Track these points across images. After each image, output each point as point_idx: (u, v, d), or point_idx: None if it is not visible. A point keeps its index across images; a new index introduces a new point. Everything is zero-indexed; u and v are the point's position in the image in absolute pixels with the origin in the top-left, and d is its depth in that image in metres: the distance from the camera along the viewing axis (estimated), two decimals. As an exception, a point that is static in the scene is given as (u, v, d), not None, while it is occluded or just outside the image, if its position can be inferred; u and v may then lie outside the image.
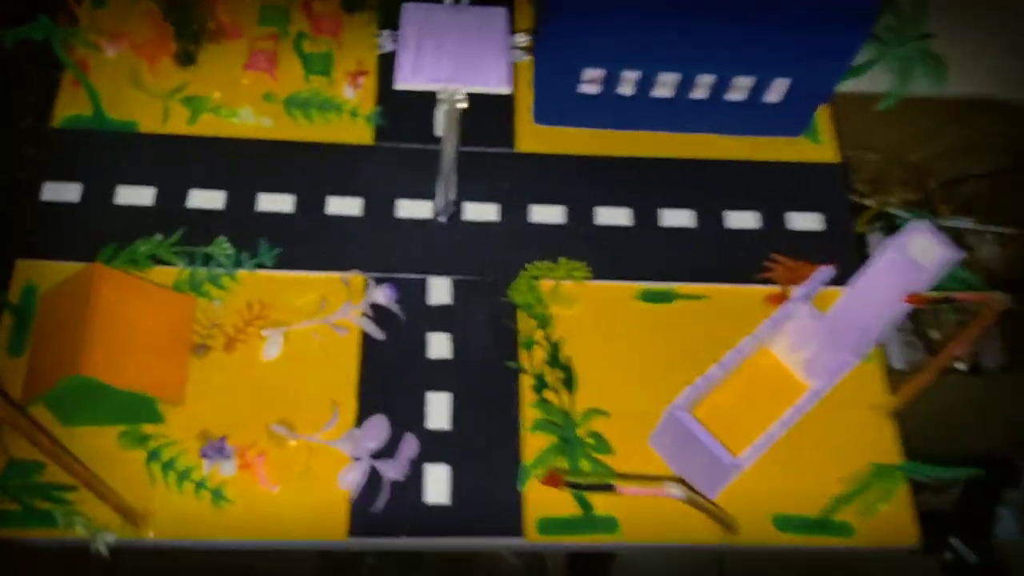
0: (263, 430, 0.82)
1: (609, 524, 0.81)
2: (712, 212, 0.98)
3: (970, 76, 1.13)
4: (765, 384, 0.87)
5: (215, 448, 0.79)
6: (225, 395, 0.83)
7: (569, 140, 1.00)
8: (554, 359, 0.87)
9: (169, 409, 0.81)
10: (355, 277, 0.89)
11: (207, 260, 0.88)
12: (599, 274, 0.93)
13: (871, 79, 0.98)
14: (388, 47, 0.72)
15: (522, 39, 0.73)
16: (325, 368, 0.86)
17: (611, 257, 0.94)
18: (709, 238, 0.96)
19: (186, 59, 0.99)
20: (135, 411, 0.78)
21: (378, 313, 0.88)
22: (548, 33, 0.88)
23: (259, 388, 0.84)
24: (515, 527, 0.80)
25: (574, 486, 0.61)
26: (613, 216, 0.96)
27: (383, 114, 0.98)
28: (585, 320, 0.90)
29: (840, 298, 0.81)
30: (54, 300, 0.79)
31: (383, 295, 0.87)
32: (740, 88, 0.97)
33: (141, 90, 0.97)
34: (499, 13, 0.75)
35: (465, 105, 0.72)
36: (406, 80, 0.71)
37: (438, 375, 0.86)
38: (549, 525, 0.81)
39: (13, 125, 0.96)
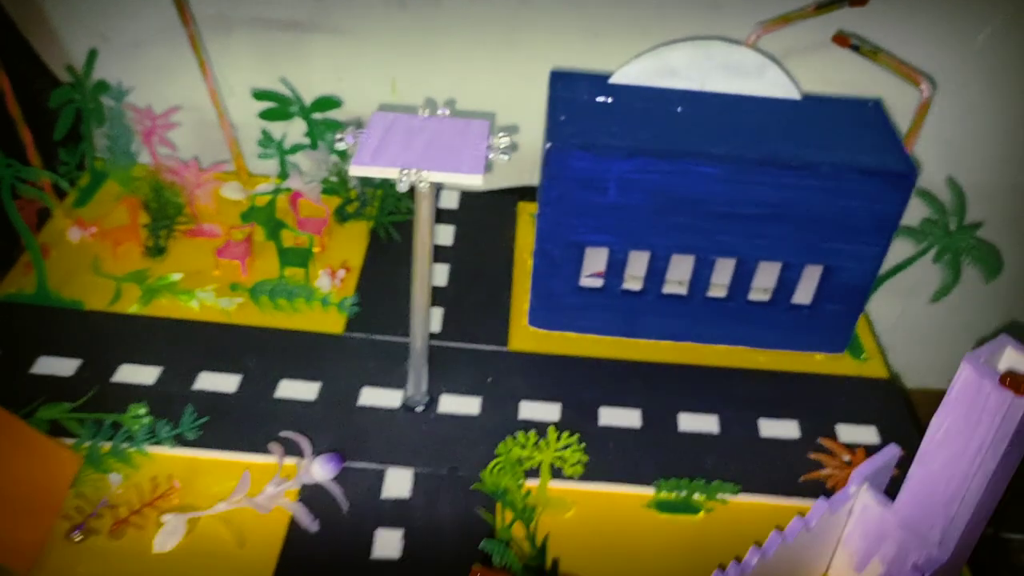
0: (132, 635, 0.60)
1: None
2: (742, 419, 0.81)
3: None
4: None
5: (55, 647, 0.57)
6: (95, 589, 0.62)
7: (569, 342, 0.87)
8: (538, 564, 0.65)
9: (14, 600, 0.60)
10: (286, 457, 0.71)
11: (115, 430, 0.72)
12: (601, 477, 0.74)
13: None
14: (349, 141, 0.63)
15: (503, 139, 0.64)
16: (233, 563, 0.65)
17: (617, 460, 0.76)
18: (738, 447, 0.78)
19: (156, 251, 0.91)
20: (-40, 586, 0.58)
21: (315, 497, 0.69)
22: (547, 201, 0.80)
23: (142, 584, 0.63)
24: None
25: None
26: (618, 417, 0.80)
27: (358, 302, 0.87)
28: (580, 529, 0.70)
29: (912, 472, 0.61)
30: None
31: (321, 469, 0.69)
32: (764, 285, 0.85)
33: (98, 275, 0.88)
34: (479, 122, 0.67)
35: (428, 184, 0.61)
36: (363, 163, 0.61)
37: (380, 579, 0.65)
38: None
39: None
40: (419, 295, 0.72)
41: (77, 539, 0.65)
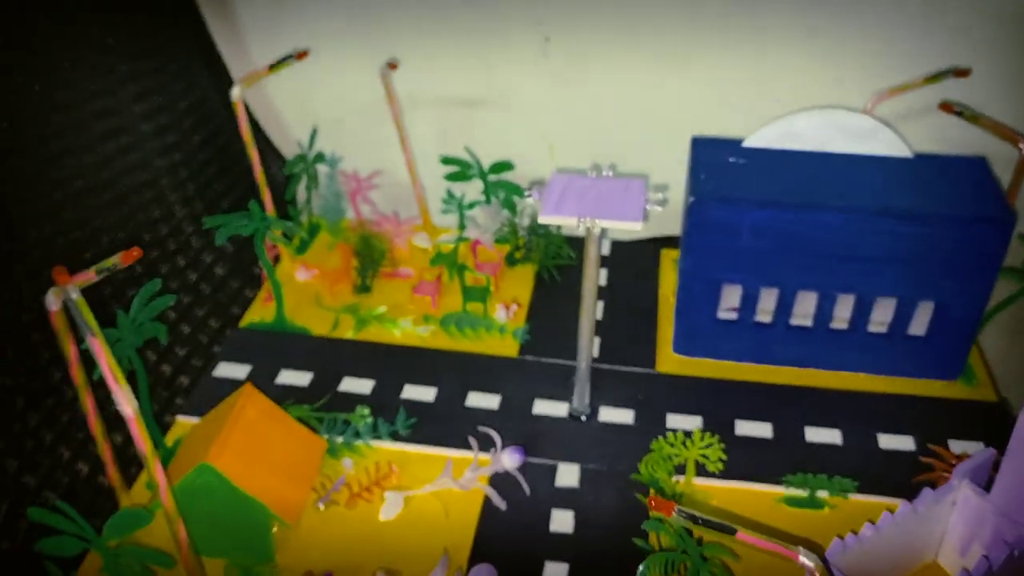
0: (368, 574, 0.77)
1: None
2: (862, 434, 0.93)
3: None
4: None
5: (317, 581, 0.75)
6: (338, 545, 0.81)
7: (708, 367, 1.02)
8: (686, 542, 0.79)
9: (280, 549, 0.79)
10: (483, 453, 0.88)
11: (346, 427, 0.91)
12: (738, 476, 0.88)
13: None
14: (536, 197, 0.81)
15: (658, 194, 0.81)
16: (441, 530, 0.82)
17: (752, 462, 0.89)
18: (859, 456, 0.90)
19: (363, 288, 1.12)
20: (250, 532, 0.77)
21: (503, 483, 0.86)
22: (690, 247, 0.95)
23: (372, 542, 0.81)
24: None
25: (688, 516, 0.53)
26: (752, 428, 0.93)
27: (529, 331, 1.05)
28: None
29: (1004, 462, 0.72)
30: (207, 418, 0.83)
31: (509, 459, 0.86)
32: (882, 319, 0.97)
33: (320, 307, 1.09)
34: (638, 180, 0.84)
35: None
36: (549, 213, 0.79)
37: (557, 547, 0.80)
38: None
39: (199, 318, 1.09)
40: (585, 323, 0.89)
41: (322, 507, 0.84)
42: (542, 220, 0.79)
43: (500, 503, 0.84)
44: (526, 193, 0.83)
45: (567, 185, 0.83)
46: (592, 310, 0.88)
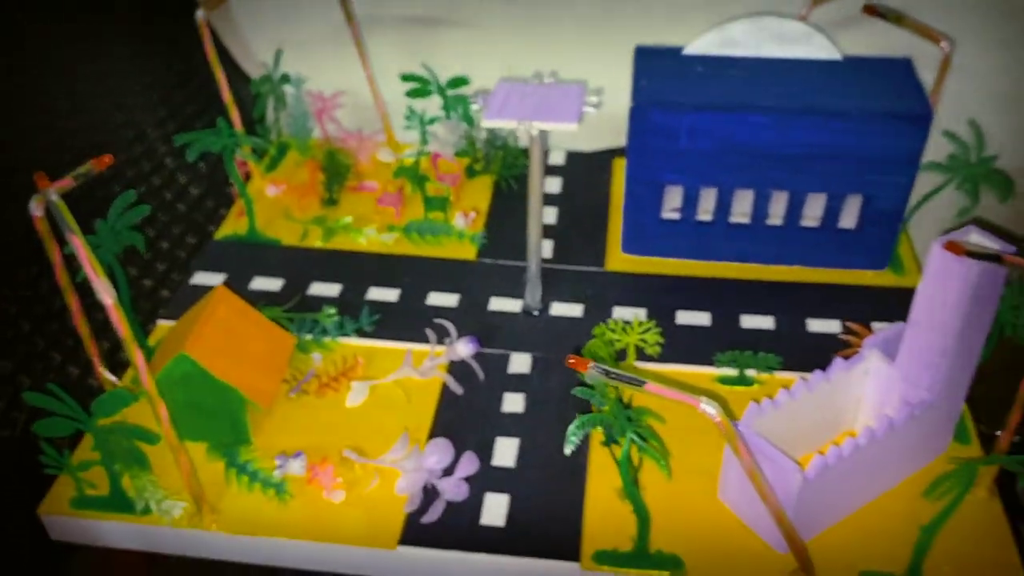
0: (337, 455, 0.85)
1: (673, 562, 0.76)
2: (793, 319, 1.00)
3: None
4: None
5: (289, 458, 0.83)
6: (309, 428, 0.88)
7: (654, 264, 1.09)
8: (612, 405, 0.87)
9: (256, 432, 0.87)
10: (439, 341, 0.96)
11: (314, 325, 0.98)
12: (676, 359, 0.95)
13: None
14: (480, 103, 0.87)
15: (593, 98, 0.86)
16: (403, 413, 0.90)
17: (690, 347, 0.97)
18: (789, 338, 0.98)
19: (330, 201, 1.18)
20: (227, 417, 0.84)
21: (460, 371, 0.93)
22: (633, 149, 1.01)
23: (340, 426, 0.89)
24: (571, 553, 0.77)
25: (602, 371, 0.61)
26: (692, 318, 1.01)
27: (486, 236, 1.12)
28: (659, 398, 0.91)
29: (904, 334, 0.80)
30: (184, 318, 0.90)
31: (464, 348, 0.93)
32: (814, 213, 1.04)
33: (290, 220, 1.15)
34: (576, 86, 0.89)
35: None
36: (491, 118, 0.85)
37: (508, 425, 0.88)
38: (606, 557, 0.77)
39: (176, 236, 1.16)
40: (533, 222, 0.95)
41: (294, 397, 0.92)
42: (484, 124, 0.85)
43: (457, 388, 0.92)
44: (471, 101, 0.88)
45: (509, 92, 0.89)
46: (539, 210, 0.94)
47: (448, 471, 0.83)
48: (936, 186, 1.03)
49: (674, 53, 1.06)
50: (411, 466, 0.82)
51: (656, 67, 1.04)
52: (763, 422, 0.78)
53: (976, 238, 0.74)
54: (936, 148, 1.04)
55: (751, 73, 1.03)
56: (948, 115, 1.12)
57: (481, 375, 0.93)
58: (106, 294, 0.69)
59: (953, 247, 0.66)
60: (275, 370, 0.89)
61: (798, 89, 1.00)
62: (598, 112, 0.90)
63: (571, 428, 0.70)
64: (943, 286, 0.73)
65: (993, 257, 0.67)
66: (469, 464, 0.82)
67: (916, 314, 0.77)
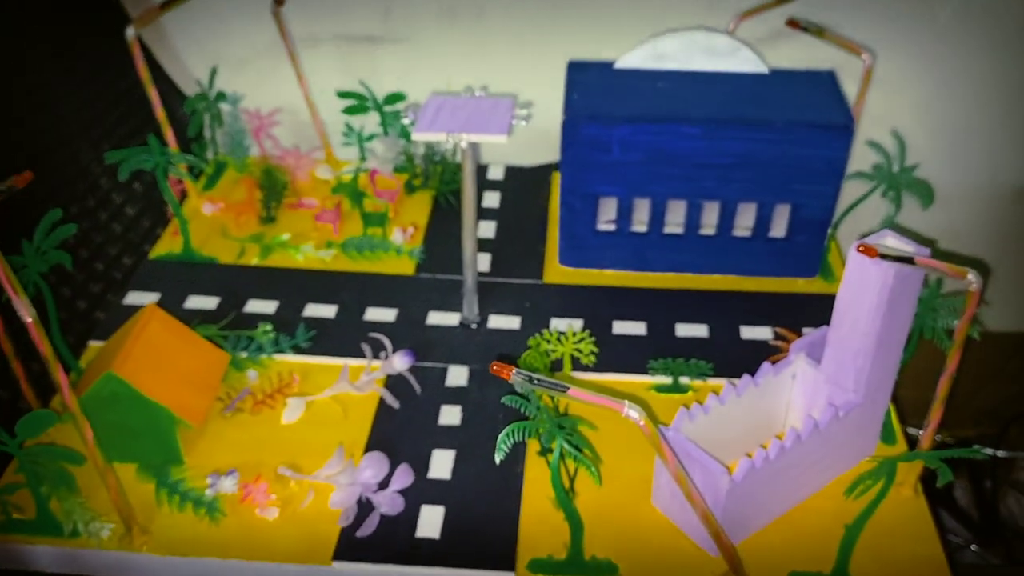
0: (271, 472, 0.84)
1: (607, 568, 0.77)
2: (726, 327, 1.02)
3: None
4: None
5: (221, 476, 0.82)
6: (243, 447, 0.88)
7: (591, 276, 1.10)
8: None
9: (188, 452, 0.86)
10: (374, 358, 0.96)
11: (250, 343, 0.97)
12: (612, 369, 0.96)
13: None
14: (411, 117, 0.88)
15: (523, 111, 0.88)
16: (340, 428, 0.89)
17: (626, 357, 0.98)
18: (722, 345, 0.99)
19: (267, 219, 1.17)
20: (157, 437, 0.83)
21: (397, 385, 0.93)
22: (567, 162, 1.03)
23: (276, 442, 0.88)
24: (507, 562, 0.77)
25: (526, 378, 0.61)
26: (627, 328, 1.02)
27: (425, 251, 1.12)
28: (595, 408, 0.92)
29: (828, 338, 0.81)
30: (114, 338, 0.89)
31: (400, 362, 0.93)
32: (746, 223, 1.06)
33: (227, 238, 1.15)
34: (506, 100, 0.91)
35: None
36: (421, 131, 0.85)
37: (445, 437, 0.88)
38: (541, 565, 0.77)
39: (112, 256, 1.14)
40: (467, 235, 0.96)
41: (228, 415, 0.91)
42: (415, 138, 0.86)
43: (393, 402, 0.92)
44: (402, 115, 0.89)
45: (441, 106, 0.90)
46: (473, 222, 0.95)
47: (383, 484, 0.82)
48: (862, 195, 1.05)
49: (606, 67, 1.08)
50: (345, 480, 0.82)
51: (588, 81, 1.06)
52: (693, 427, 0.79)
53: (892, 242, 0.76)
54: (861, 157, 1.07)
55: (681, 86, 1.05)
56: (872, 125, 1.16)
57: (418, 388, 0.93)
58: (25, 312, 0.68)
59: (867, 250, 0.68)
60: (207, 388, 0.88)
61: (727, 101, 1.02)
62: (535, 126, 0.91)
63: (501, 436, 0.70)
64: (861, 289, 0.75)
65: (906, 259, 0.69)
66: (404, 476, 0.82)
67: (837, 317, 0.79)
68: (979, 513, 1.47)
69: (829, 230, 1.06)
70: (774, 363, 0.85)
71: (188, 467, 0.85)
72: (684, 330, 1.02)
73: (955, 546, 1.41)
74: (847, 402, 0.80)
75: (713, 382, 0.95)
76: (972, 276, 0.70)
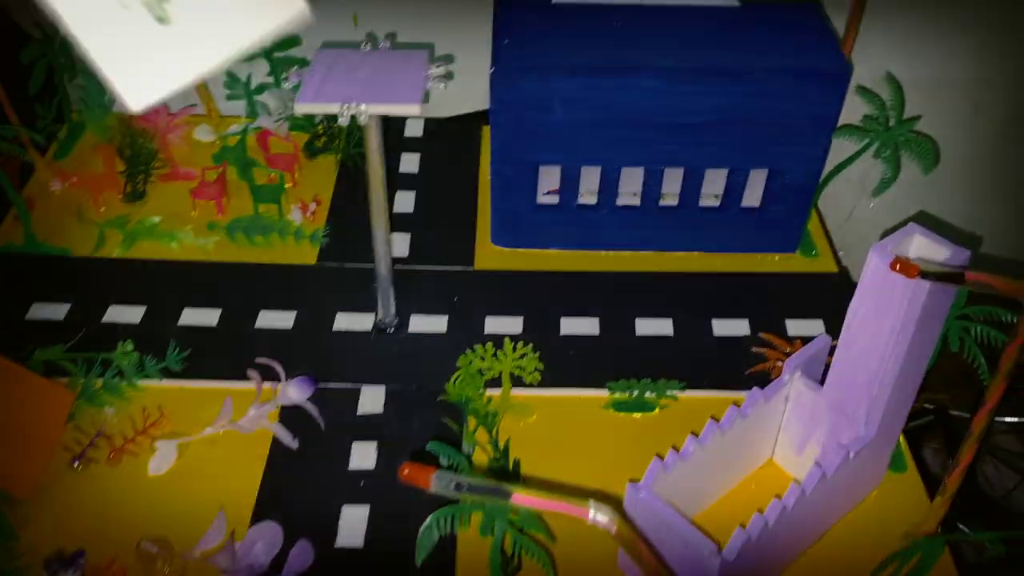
0: (131, 548, 0.66)
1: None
2: (694, 321, 0.85)
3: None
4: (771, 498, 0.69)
5: (64, 562, 0.63)
6: (95, 512, 0.69)
7: (532, 258, 0.91)
8: (500, 466, 0.71)
9: (25, 525, 0.66)
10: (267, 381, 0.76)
11: (106, 367, 0.77)
12: (561, 382, 0.79)
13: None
14: (294, 80, 0.67)
15: (440, 68, 0.67)
16: (222, 481, 0.71)
17: (577, 367, 0.80)
18: (691, 347, 0.83)
19: (135, 195, 0.96)
20: (-25, 513, 0.64)
21: (295, 418, 0.75)
22: (497, 124, 0.83)
23: (140, 503, 0.69)
24: (435, 666, 0.60)
25: (451, 485, 0.44)
26: (578, 326, 0.84)
27: (329, 233, 0.92)
28: (542, 432, 0.75)
29: (835, 357, 0.65)
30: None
31: (296, 391, 0.74)
32: (714, 191, 0.88)
33: (82, 222, 0.93)
34: (418, 53, 0.70)
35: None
36: (306, 101, 0.65)
37: (357, 487, 0.71)
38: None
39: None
40: (378, 223, 0.76)
41: (78, 468, 0.71)
42: (299, 111, 0.65)
43: (290, 442, 0.73)
44: (283, 78, 0.68)
45: (334, 64, 0.69)
46: (382, 207, 0.75)
47: (277, 565, 0.64)
48: (850, 154, 0.88)
49: (543, 2, 0.87)
50: (225, 562, 0.63)
51: (522, 20, 0.85)
52: (669, 480, 0.62)
53: (921, 242, 0.59)
54: (849, 107, 0.89)
55: (635, 26, 0.85)
56: (861, 67, 0.97)
57: (321, 422, 0.74)
58: None
59: (905, 268, 0.51)
60: (41, 443, 0.69)
61: (692, 44, 0.83)
62: (462, 66, 0.71)
63: (422, 531, 0.53)
64: (884, 306, 0.59)
65: (954, 276, 0.52)
66: (302, 555, 0.64)
67: (849, 335, 0.63)
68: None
69: (812, 199, 0.89)
70: (767, 377, 0.68)
71: (22, 548, 0.66)
72: (645, 327, 0.84)
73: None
74: (858, 439, 0.64)
75: (685, 395, 0.78)
76: (1032, 289, 0.53)
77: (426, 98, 0.67)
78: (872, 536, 0.68)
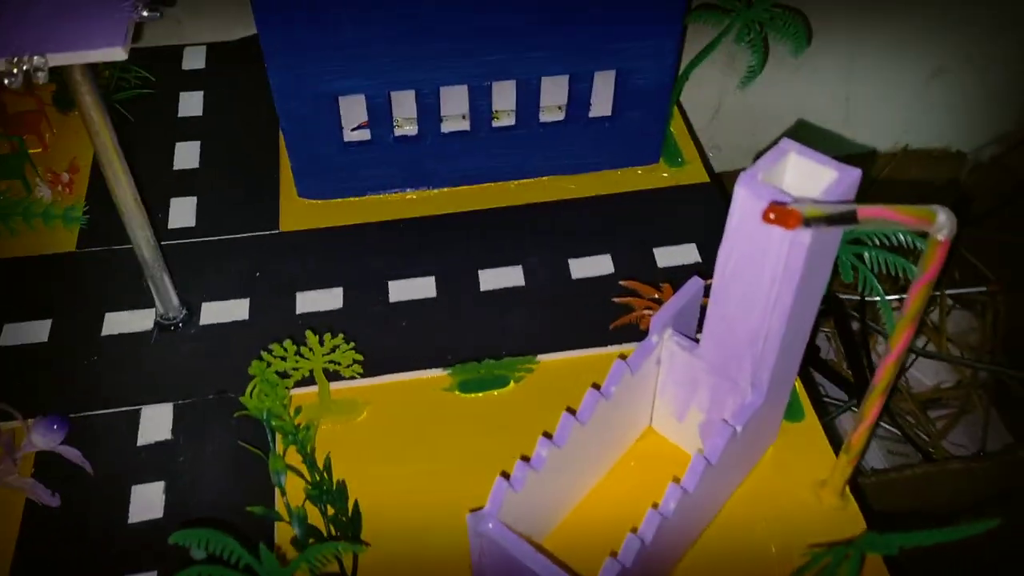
0: None
1: None
2: (549, 264, 0.71)
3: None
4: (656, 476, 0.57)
5: None
6: None
7: (350, 209, 0.75)
8: (320, 490, 0.57)
9: None
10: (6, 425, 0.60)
11: None
12: (395, 367, 0.64)
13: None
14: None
15: (143, -6, 0.50)
16: (-42, 566, 0.55)
17: (412, 343, 0.66)
18: (547, 297, 0.69)
19: None
20: None
21: (54, 466, 0.58)
22: (273, 51, 0.65)
23: None
24: None
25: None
26: (412, 289, 0.69)
27: (89, 211, 0.74)
28: (377, 430, 0.61)
29: (709, 312, 0.53)
30: None
31: (42, 437, 0.58)
32: (554, 102, 0.74)
33: None
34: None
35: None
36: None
37: (140, 545, 0.55)
38: None
39: None
40: (123, 196, 0.59)
41: None
42: (-52, 74, 0.46)
43: (49, 500, 0.57)
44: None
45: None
46: (123, 179, 0.58)
47: None
48: (709, 40, 0.74)
49: None
50: None
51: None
52: (516, 499, 0.49)
53: (798, 162, 0.46)
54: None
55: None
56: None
57: (88, 468, 0.58)
58: None
59: (782, 217, 0.37)
60: None
61: (503, -78, 0.66)
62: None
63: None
64: (761, 252, 0.46)
65: (845, 217, 0.39)
66: (60, 666, 0.50)
67: (720, 286, 0.50)
68: (850, 363, 1.30)
69: (669, 99, 0.75)
70: (619, 327, 0.56)
71: None
72: (491, 279, 0.70)
73: (834, 410, 1.24)
74: (743, 408, 0.52)
75: (546, 358, 0.65)
76: (943, 217, 0.41)
77: (138, 33, 0.49)
78: (776, 501, 0.57)
